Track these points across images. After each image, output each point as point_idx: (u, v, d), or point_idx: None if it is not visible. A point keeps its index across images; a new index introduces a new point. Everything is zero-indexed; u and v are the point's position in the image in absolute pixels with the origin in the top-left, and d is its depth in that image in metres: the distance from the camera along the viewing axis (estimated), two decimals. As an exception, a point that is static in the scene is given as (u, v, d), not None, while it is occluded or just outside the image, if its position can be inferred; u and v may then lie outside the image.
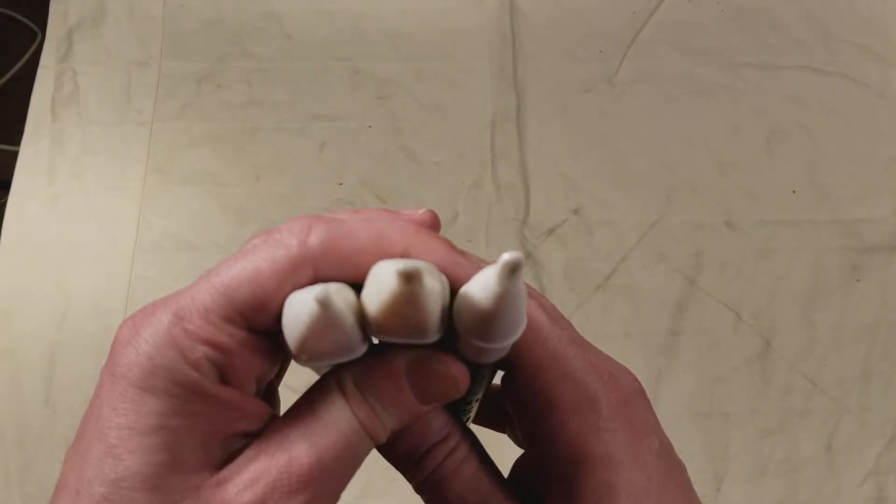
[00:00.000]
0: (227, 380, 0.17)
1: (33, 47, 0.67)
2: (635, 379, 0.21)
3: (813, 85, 0.65)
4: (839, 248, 0.59)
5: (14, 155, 0.61)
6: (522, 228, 0.59)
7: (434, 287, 0.17)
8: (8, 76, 0.67)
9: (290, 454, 0.17)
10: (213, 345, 0.17)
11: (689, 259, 0.58)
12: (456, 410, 0.22)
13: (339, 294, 0.17)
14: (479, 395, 0.22)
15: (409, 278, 0.16)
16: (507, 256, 0.16)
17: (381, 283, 0.17)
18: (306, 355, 0.17)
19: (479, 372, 0.20)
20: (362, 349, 0.18)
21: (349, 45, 0.65)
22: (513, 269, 0.16)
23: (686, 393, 0.54)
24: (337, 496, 0.18)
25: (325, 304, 0.16)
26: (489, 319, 0.17)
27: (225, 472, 0.17)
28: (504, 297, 0.17)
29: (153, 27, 0.65)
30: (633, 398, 0.20)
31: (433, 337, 0.18)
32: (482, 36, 0.66)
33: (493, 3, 0.67)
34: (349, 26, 0.66)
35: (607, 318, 0.56)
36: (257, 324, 0.18)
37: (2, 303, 0.56)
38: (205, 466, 0.17)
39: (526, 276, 0.57)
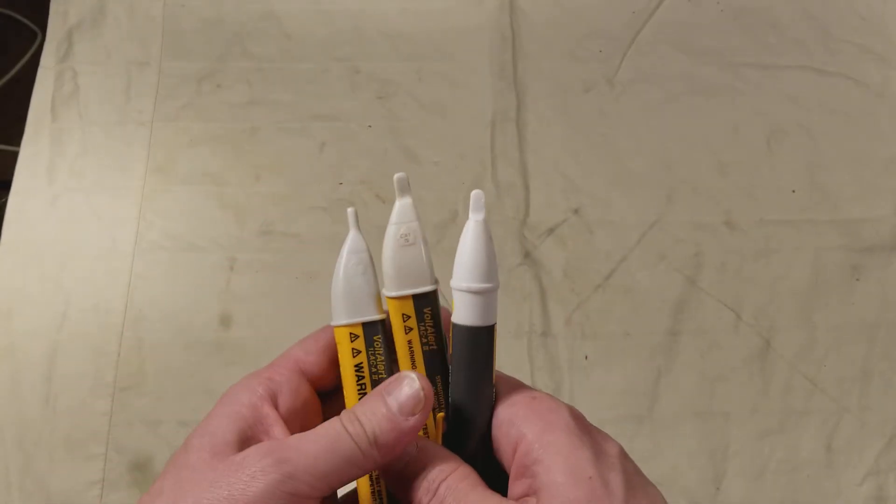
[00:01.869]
0: (276, 404, 0.25)
1: (33, 47, 0.67)
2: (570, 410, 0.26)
3: (813, 85, 0.65)
4: (839, 247, 0.59)
5: (14, 155, 0.61)
6: (522, 228, 0.59)
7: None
8: (8, 76, 0.67)
9: (282, 442, 0.23)
10: (271, 378, 0.26)
11: (689, 259, 0.58)
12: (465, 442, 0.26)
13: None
14: (478, 422, 0.26)
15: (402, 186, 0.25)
16: (473, 193, 0.25)
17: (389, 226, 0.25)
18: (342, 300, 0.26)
19: (465, 359, 0.25)
20: (379, 312, 0.26)
21: (349, 45, 0.65)
22: (476, 200, 0.24)
23: (686, 393, 0.54)
24: (319, 491, 0.22)
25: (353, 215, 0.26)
26: (470, 250, 0.24)
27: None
28: (475, 227, 0.24)
29: (153, 27, 0.65)
30: (579, 421, 0.25)
31: (432, 273, 0.26)
32: (482, 36, 0.66)
33: (493, 3, 0.67)
34: (349, 26, 0.66)
35: (607, 318, 0.56)
36: (315, 380, 0.27)
37: (2, 302, 0.56)
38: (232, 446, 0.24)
39: (526, 276, 0.57)
